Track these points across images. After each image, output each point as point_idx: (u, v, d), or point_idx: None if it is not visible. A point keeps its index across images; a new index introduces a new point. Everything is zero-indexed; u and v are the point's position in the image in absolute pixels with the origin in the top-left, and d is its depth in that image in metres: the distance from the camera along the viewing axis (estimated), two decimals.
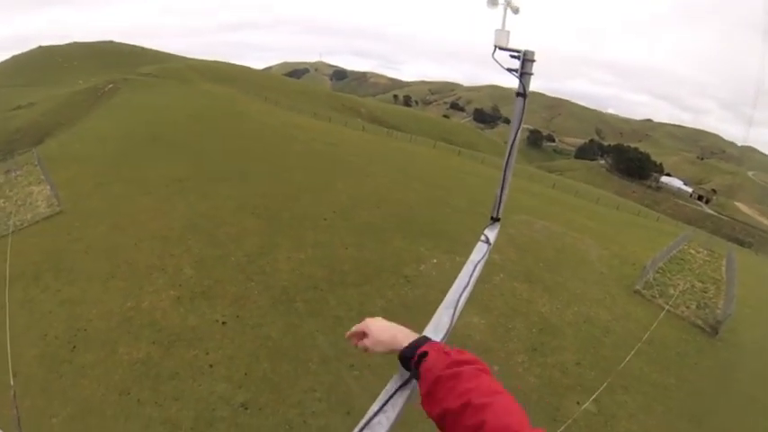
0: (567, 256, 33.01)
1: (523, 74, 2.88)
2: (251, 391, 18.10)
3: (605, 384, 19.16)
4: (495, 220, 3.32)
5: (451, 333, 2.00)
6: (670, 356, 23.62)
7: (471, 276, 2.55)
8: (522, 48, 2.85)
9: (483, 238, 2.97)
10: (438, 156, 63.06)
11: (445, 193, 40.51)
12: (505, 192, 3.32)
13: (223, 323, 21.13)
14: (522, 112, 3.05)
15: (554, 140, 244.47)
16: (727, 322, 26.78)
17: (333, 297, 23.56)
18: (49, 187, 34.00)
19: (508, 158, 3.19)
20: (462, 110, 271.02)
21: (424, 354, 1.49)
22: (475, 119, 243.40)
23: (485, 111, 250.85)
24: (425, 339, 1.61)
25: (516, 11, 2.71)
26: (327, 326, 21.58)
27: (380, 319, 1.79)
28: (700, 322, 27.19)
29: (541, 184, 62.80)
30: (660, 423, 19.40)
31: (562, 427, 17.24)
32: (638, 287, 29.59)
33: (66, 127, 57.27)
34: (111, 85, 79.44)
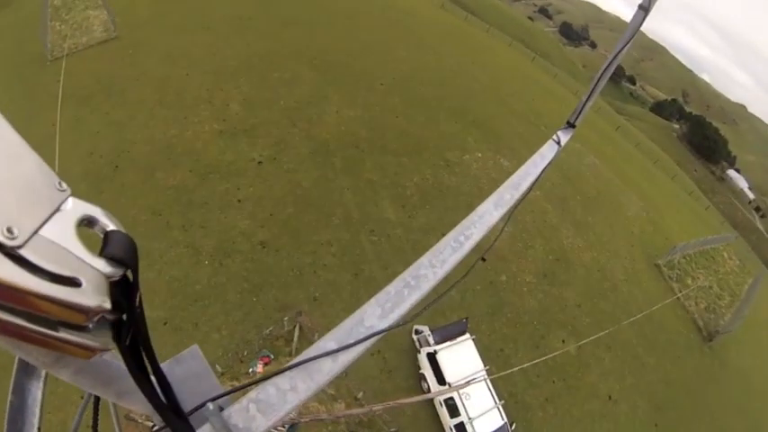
0: (606, 201, 31.85)
1: None
2: (271, 233, 18.62)
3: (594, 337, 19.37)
4: (570, 125, 3.19)
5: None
6: (659, 339, 23.90)
7: (538, 167, 2.58)
8: None
9: (555, 138, 2.90)
10: (511, 55, 58.65)
11: (508, 94, 38.17)
12: (591, 101, 3.19)
13: (259, 163, 21.42)
14: (638, 27, 2.87)
15: (635, 83, 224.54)
16: (724, 336, 26.81)
17: (370, 160, 23.52)
18: (106, 12, 33.54)
19: (606, 68, 3.05)
20: (550, 18, 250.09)
21: None
22: (560, 32, 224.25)
23: (573, 27, 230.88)
24: None
25: None
26: (358, 186, 21.72)
27: None
28: (701, 323, 27.02)
29: (606, 121, 58.20)
30: (624, 393, 20.29)
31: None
32: (660, 262, 28.99)
33: None
34: None
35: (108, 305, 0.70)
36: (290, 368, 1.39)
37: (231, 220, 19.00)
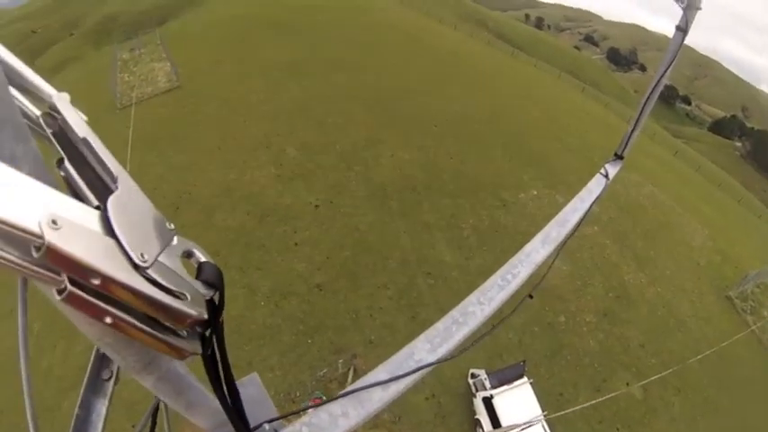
0: (668, 232, 30.12)
1: (689, 5, 2.69)
2: (328, 275, 18.94)
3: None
4: (618, 157, 3.18)
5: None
6: (734, 378, 21.81)
7: (586, 203, 2.56)
8: None
9: (603, 171, 2.88)
10: (560, 88, 57.69)
11: (560, 128, 37.52)
12: (637, 131, 3.18)
13: (316, 206, 22.01)
14: (678, 50, 2.83)
15: (690, 103, 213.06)
16: None
17: (427, 202, 23.65)
18: (169, 64, 36.71)
19: (649, 95, 3.02)
20: (596, 45, 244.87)
21: None
22: (608, 58, 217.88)
23: (620, 51, 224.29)
24: None
25: None
26: (415, 229, 21.86)
27: None
28: None
29: (662, 147, 55.56)
30: None
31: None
32: (731, 294, 26.71)
33: (190, 8, 59.04)
34: None
35: (205, 316, 0.89)
36: (342, 396, 1.53)
37: (288, 263, 19.49)
